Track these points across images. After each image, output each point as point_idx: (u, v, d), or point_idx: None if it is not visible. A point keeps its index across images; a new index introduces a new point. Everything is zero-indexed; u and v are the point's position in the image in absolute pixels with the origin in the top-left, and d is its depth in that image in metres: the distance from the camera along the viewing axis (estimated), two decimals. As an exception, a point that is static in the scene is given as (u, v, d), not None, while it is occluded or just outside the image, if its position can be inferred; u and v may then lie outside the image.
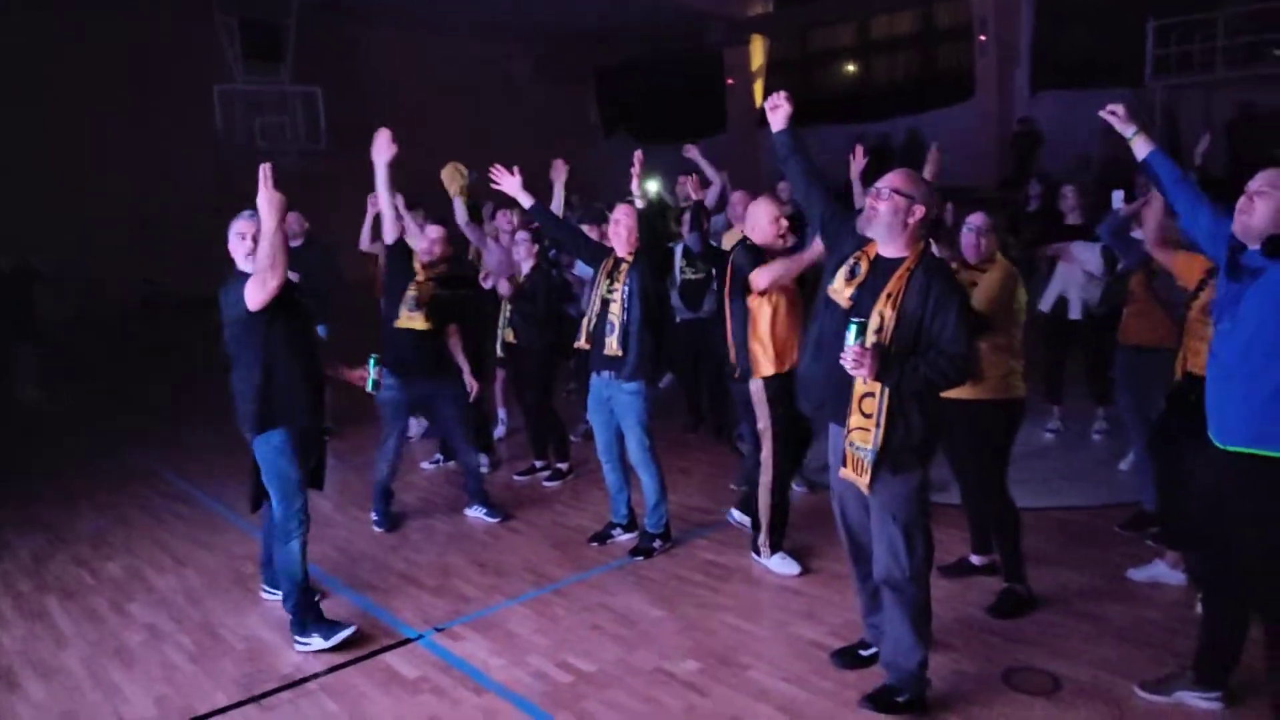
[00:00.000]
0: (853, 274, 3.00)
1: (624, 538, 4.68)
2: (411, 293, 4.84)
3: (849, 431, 2.98)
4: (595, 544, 4.68)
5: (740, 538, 4.58)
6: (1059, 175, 12.11)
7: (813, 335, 3.13)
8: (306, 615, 3.74)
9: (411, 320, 4.83)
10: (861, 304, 2.94)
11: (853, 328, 2.82)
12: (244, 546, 4.94)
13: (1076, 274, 5.79)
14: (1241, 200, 2.72)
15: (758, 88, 19.18)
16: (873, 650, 3.36)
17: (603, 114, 22.03)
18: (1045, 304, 5.96)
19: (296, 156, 16.52)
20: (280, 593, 3.89)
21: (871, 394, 2.91)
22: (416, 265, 4.88)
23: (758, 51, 19.25)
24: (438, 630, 3.87)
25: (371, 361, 4.12)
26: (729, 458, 5.90)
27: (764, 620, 3.81)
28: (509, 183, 4.57)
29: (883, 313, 2.88)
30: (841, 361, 2.83)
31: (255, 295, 3.49)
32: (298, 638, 3.73)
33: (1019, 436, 3.89)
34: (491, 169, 4.58)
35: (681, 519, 4.88)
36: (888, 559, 3.03)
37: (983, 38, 15.22)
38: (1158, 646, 3.43)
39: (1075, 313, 5.85)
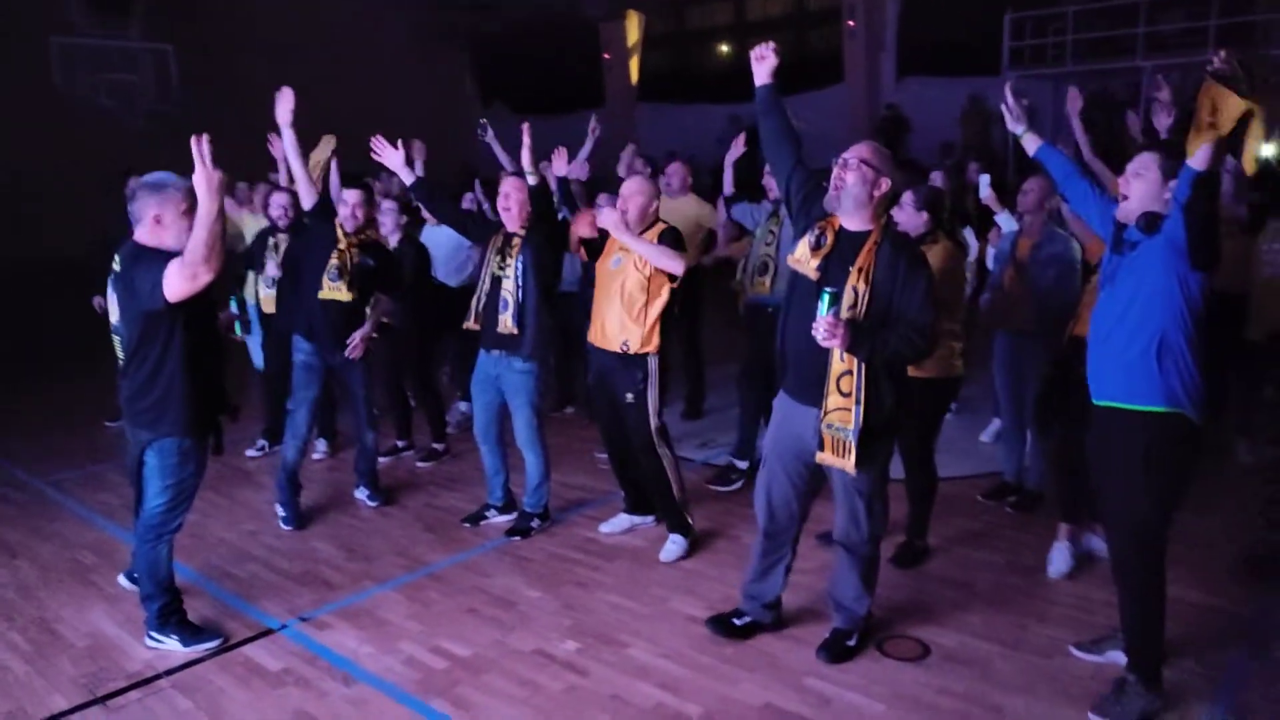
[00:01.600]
0: (818, 244, 2.99)
1: (499, 519, 4.56)
2: (334, 261, 4.52)
3: (826, 413, 2.98)
4: (469, 525, 4.54)
5: (616, 514, 4.53)
6: (924, 160, 12.60)
7: (786, 315, 3.12)
8: (170, 617, 3.45)
9: (335, 291, 4.52)
10: (830, 275, 2.93)
11: (825, 297, 2.81)
12: (82, 534, 4.58)
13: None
14: (1119, 181, 2.88)
15: (633, 64, 19.12)
16: (747, 619, 3.40)
17: (480, 84, 21.53)
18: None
19: (145, 117, 15.49)
20: (139, 589, 3.57)
21: (850, 372, 2.92)
22: (339, 232, 4.55)
23: (634, 27, 19.16)
24: (302, 620, 3.66)
25: (232, 302, 3.86)
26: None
27: (644, 597, 3.78)
28: (391, 157, 4.32)
29: (856, 287, 2.89)
30: (813, 333, 2.82)
31: (179, 286, 2.98)
32: (153, 634, 3.45)
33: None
34: (373, 141, 4.31)
35: (559, 497, 4.79)
36: (848, 525, 3.15)
37: (851, 23, 15.59)
38: (1021, 612, 3.56)
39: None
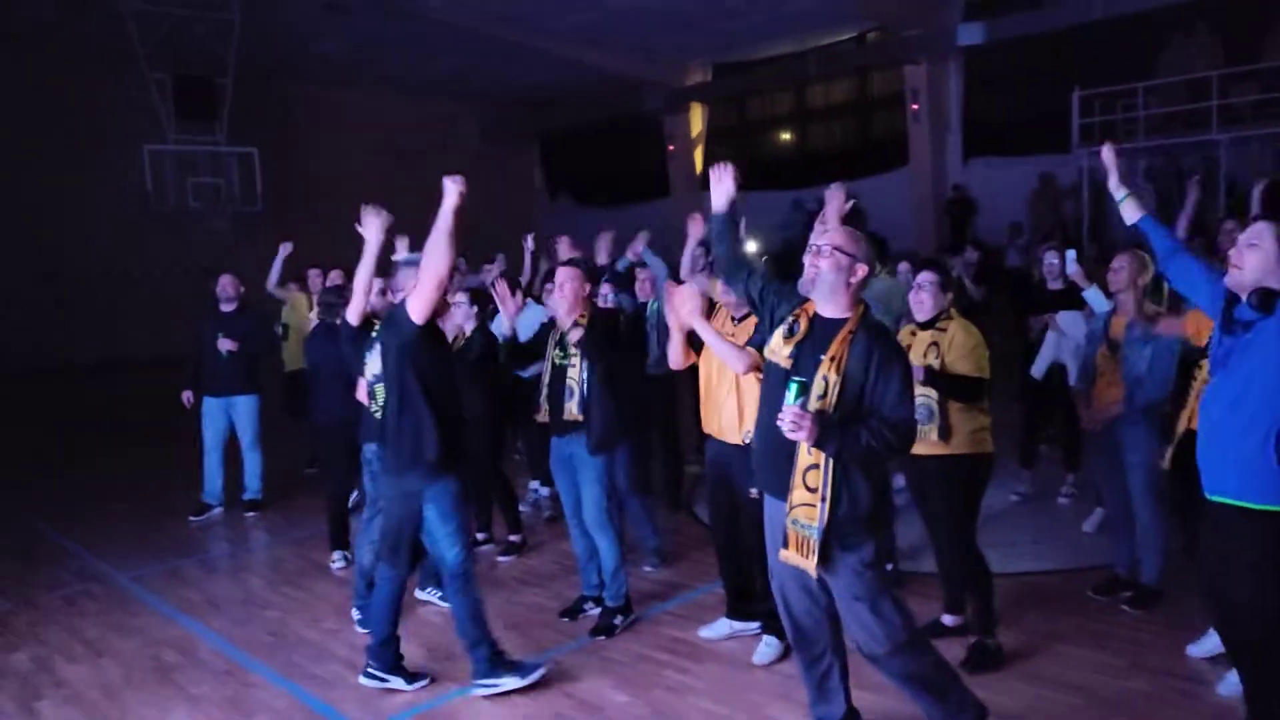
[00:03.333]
0: (791, 331, 2.90)
1: (597, 611, 4.41)
2: None
3: (792, 508, 2.83)
4: (566, 620, 4.41)
5: (705, 612, 4.35)
6: (992, 241, 12.42)
7: (761, 405, 3.02)
8: (498, 659, 3.72)
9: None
10: (801, 364, 2.82)
11: (793, 387, 2.70)
12: (165, 631, 4.55)
13: (1069, 343, 5.69)
14: (1233, 253, 2.72)
15: (698, 154, 19.43)
16: None
17: (547, 177, 22.09)
18: (1038, 370, 5.80)
19: (230, 218, 16.18)
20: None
21: (816, 465, 2.77)
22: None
23: (697, 119, 19.54)
24: (386, 724, 3.55)
25: None
26: (686, 524, 5.69)
27: (738, 703, 3.57)
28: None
29: (827, 376, 2.76)
30: (779, 423, 2.70)
31: (415, 302, 3.56)
32: (483, 681, 3.70)
33: (989, 497, 3.82)
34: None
35: (641, 593, 4.63)
36: (865, 636, 2.90)
37: (915, 106, 15.64)
38: (1145, 717, 3.29)
39: (1073, 379, 5.67)
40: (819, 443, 2.71)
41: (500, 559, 5.39)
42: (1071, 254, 5.48)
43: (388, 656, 3.80)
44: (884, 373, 2.78)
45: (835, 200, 4.27)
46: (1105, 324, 4.43)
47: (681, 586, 4.80)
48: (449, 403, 3.71)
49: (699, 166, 19.19)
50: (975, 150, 15.57)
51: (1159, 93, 12.78)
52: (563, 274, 4.28)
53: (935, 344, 3.70)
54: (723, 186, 3.21)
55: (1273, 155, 11.93)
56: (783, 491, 2.87)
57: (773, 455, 2.91)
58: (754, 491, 3.78)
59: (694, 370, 4.01)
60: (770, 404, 2.90)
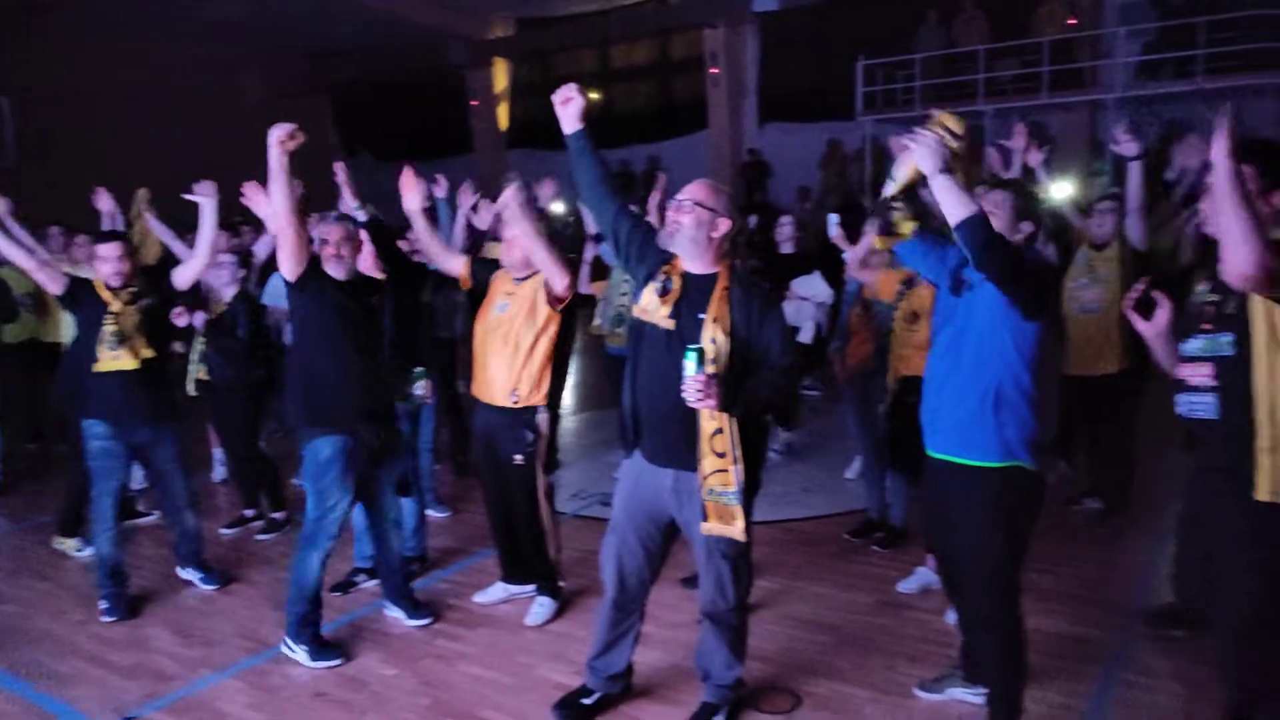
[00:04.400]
0: (665, 290, 2.85)
1: (371, 584, 4.28)
2: (110, 327, 4.02)
3: (705, 478, 2.80)
4: (338, 594, 4.26)
5: (483, 577, 4.33)
6: (784, 205, 12.92)
7: (634, 370, 2.94)
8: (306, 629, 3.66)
9: (117, 360, 4.04)
10: (684, 325, 2.79)
11: (691, 355, 2.65)
12: None
13: (807, 307, 5.94)
14: None
15: (502, 110, 19.05)
16: (595, 696, 3.21)
17: (341, 133, 21.03)
18: (805, 336, 6.02)
19: (-25, 169, 14.49)
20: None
21: (721, 430, 2.75)
22: (104, 294, 4.05)
23: (501, 74, 19.12)
24: None
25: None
26: (472, 488, 5.64)
27: (508, 666, 3.58)
28: (263, 205, 3.82)
29: (715, 338, 2.75)
30: (684, 395, 2.66)
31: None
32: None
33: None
34: (244, 187, 3.88)
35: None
36: (714, 594, 2.96)
37: (714, 70, 15.94)
38: (890, 653, 3.55)
39: (806, 337, 5.98)
40: (725, 406, 2.68)
41: (260, 537, 5.11)
42: (834, 218, 5.71)
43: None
44: (765, 320, 2.79)
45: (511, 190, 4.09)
46: (859, 284, 4.68)
47: (460, 552, 4.76)
48: (323, 358, 3.66)
49: (503, 122, 18.85)
50: (770, 115, 16.06)
51: (946, 62, 13.55)
52: (334, 231, 3.76)
53: None
54: (571, 105, 2.88)
55: (1031, 124, 12.96)
56: (677, 461, 2.85)
57: (667, 425, 2.85)
58: (518, 458, 3.78)
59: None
60: (650, 370, 2.86)
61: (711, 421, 2.74)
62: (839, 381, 4.86)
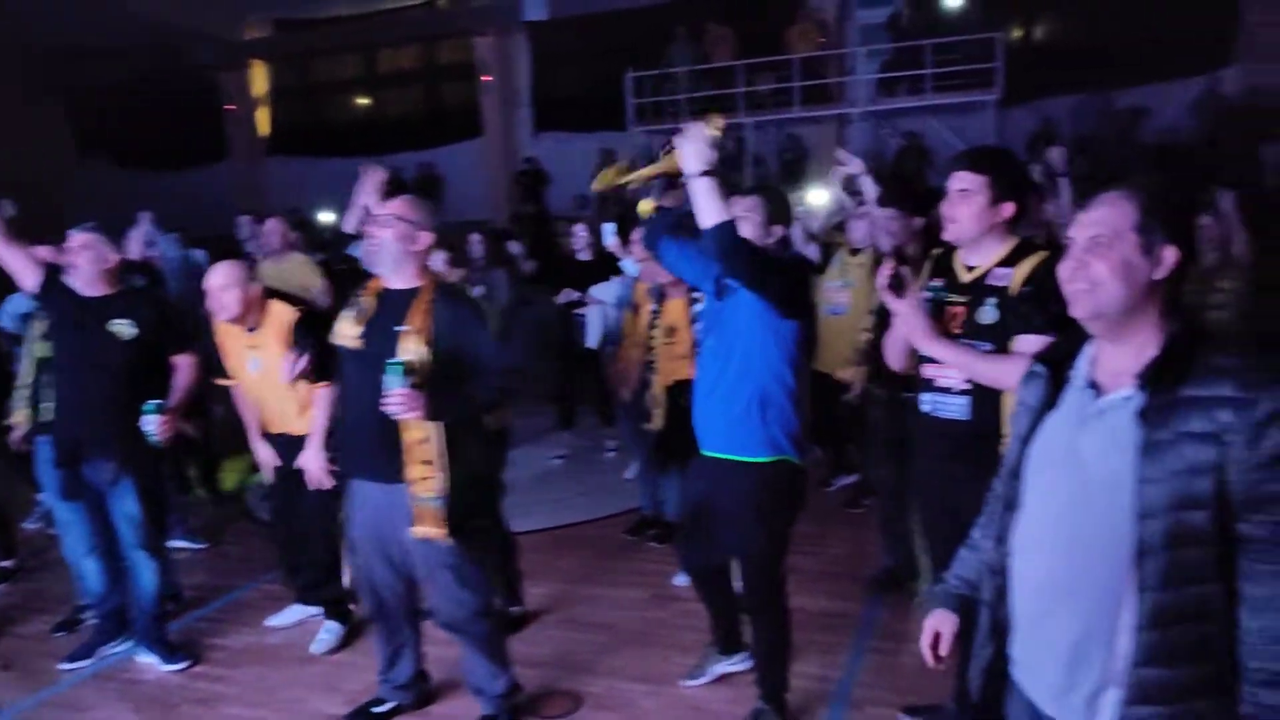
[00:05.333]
0: (359, 312, 2.82)
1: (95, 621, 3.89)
2: None
3: (412, 484, 2.78)
4: (62, 634, 3.92)
5: (247, 611, 4.09)
6: (563, 213, 13.06)
7: (343, 396, 2.92)
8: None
9: None
10: (379, 343, 2.74)
11: (392, 370, 2.61)
12: None
13: (612, 311, 5.99)
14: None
15: (260, 115, 18.03)
16: (387, 705, 3.19)
17: (79, 137, 19.15)
18: (593, 341, 6.03)
19: None
20: None
21: (426, 439, 2.74)
22: None
23: (259, 77, 18.10)
24: None
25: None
26: (230, 520, 5.31)
27: (275, 704, 3.39)
28: None
29: (416, 352, 2.71)
30: (385, 408, 2.62)
31: None
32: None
33: (533, 462, 4.01)
34: None
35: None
36: (446, 605, 2.93)
37: (486, 78, 15.86)
38: (665, 645, 3.67)
39: (592, 341, 6.08)
40: (434, 415, 2.68)
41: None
42: (610, 227, 5.84)
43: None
44: (473, 329, 2.79)
45: (372, 177, 4.01)
46: (630, 289, 4.82)
47: (221, 588, 4.47)
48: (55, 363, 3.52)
49: (262, 128, 17.85)
50: (545, 124, 16.17)
51: (709, 77, 14.12)
52: (74, 239, 3.50)
53: None
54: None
55: (787, 137, 13.78)
56: (392, 475, 2.79)
57: (371, 441, 2.80)
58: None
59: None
60: (356, 392, 2.81)
61: (417, 430, 2.76)
62: (613, 383, 4.98)
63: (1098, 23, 12.73)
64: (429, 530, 2.81)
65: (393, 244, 2.77)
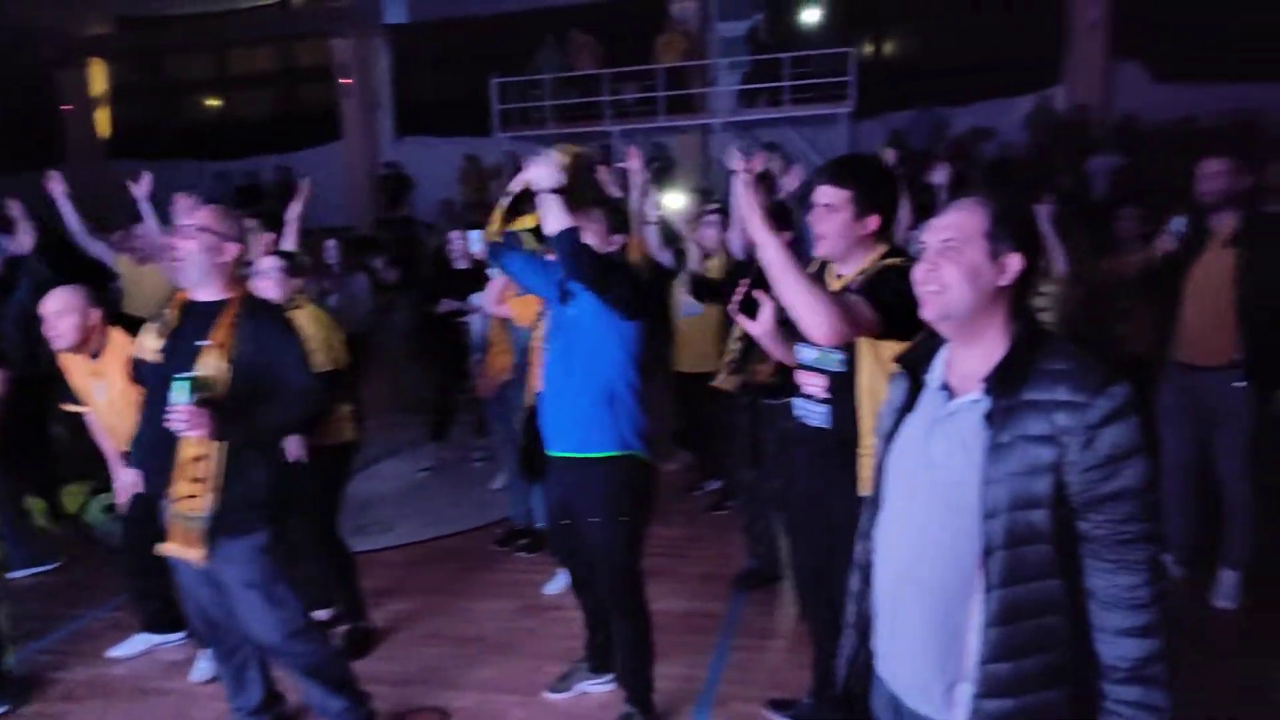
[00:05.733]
0: (162, 326, 2.75)
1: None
2: None
3: (176, 500, 2.68)
4: None
5: (88, 642, 3.87)
6: (428, 219, 12.84)
7: (146, 403, 2.78)
8: None
9: None
10: (178, 356, 2.66)
11: (178, 385, 2.53)
12: None
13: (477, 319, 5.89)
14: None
15: (101, 115, 17.00)
16: None
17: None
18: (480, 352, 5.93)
19: None
20: None
21: (204, 456, 2.64)
22: None
23: (99, 76, 17.06)
24: None
25: None
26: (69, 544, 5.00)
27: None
28: None
29: (213, 366, 2.63)
30: (168, 424, 2.53)
31: None
32: None
33: (400, 475, 3.94)
34: None
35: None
36: (258, 628, 2.81)
37: (345, 81, 15.44)
38: (535, 656, 3.66)
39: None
40: (221, 434, 2.58)
41: None
42: (475, 234, 5.76)
43: None
44: (280, 346, 2.72)
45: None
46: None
47: (61, 617, 4.20)
48: None
49: (103, 129, 16.84)
50: (407, 128, 15.88)
51: (574, 84, 14.15)
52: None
53: None
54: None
55: (654, 145, 13.97)
56: (163, 487, 2.70)
57: (159, 456, 2.69)
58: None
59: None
60: (152, 407, 2.68)
61: (195, 448, 2.66)
62: (480, 392, 4.95)
63: (941, 42, 13.51)
64: (181, 550, 2.70)
65: (198, 255, 2.69)
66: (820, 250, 2.56)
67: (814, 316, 2.07)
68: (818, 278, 2.65)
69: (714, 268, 4.96)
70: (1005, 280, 1.59)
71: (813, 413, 2.60)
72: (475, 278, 5.95)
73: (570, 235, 2.74)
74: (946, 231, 1.62)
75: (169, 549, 2.71)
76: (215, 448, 2.64)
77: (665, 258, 5.08)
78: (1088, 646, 1.52)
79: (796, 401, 2.66)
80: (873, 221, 2.47)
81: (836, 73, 12.56)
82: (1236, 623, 3.69)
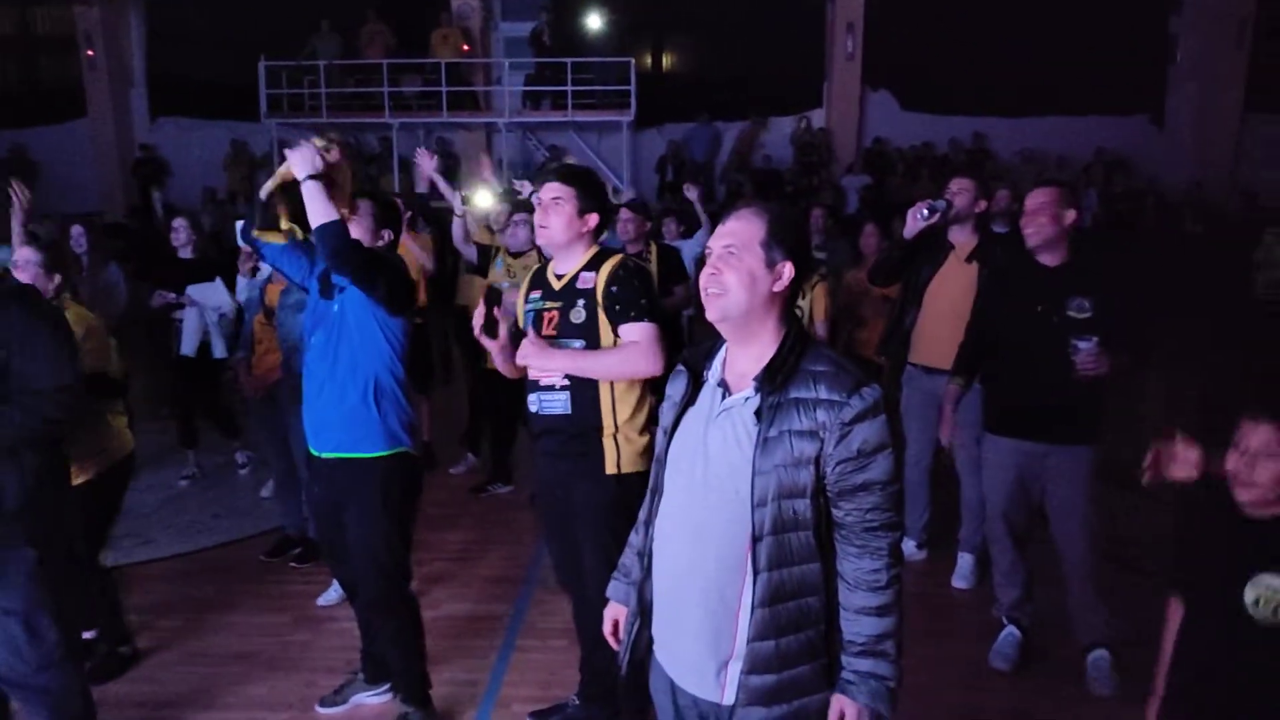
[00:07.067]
0: None
1: None
2: None
3: None
4: None
5: None
6: (185, 206, 11.90)
7: None
8: None
9: None
10: None
11: None
12: None
13: (211, 315, 5.54)
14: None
15: None
16: None
17: None
18: (189, 347, 5.50)
19: None
20: None
21: None
22: None
23: None
24: None
25: None
26: None
27: None
28: None
29: None
30: None
31: None
32: None
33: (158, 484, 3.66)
34: None
35: None
36: (8, 656, 2.53)
37: (90, 53, 14.05)
38: (310, 669, 3.54)
39: (220, 351, 5.54)
40: None
41: None
42: (240, 224, 5.43)
43: None
44: (26, 338, 2.43)
45: None
46: (261, 291, 4.56)
47: None
48: None
49: None
50: (164, 109, 14.68)
51: (351, 73, 13.55)
52: None
53: None
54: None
55: (437, 140, 13.68)
56: None
57: None
58: None
59: None
60: None
61: None
62: (244, 393, 4.69)
63: (716, 59, 14.16)
64: None
65: None
66: (541, 239, 2.77)
67: (633, 371, 2.63)
68: (538, 280, 2.82)
69: (520, 267, 4.95)
70: (779, 286, 1.72)
71: (552, 401, 2.72)
72: (202, 269, 5.52)
73: (334, 228, 2.70)
74: (728, 238, 1.74)
75: None
76: None
77: (470, 251, 5.05)
78: (837, 624, 1.69)
79: (533, 396, 2.76)
80: (592, 219, 2.73)
81: (619, 80, 12.86)
82: (969, 602, 4.11)
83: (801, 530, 1.64)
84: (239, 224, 5.53)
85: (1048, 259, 3.27)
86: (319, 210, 2.69)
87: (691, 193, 6.15)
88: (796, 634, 1.66)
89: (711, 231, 5.38)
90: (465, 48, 13.69)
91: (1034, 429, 3.32)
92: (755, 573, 1.64)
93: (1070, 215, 3.23)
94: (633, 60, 12.94)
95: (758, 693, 1.66)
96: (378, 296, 2.82)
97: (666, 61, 14.95)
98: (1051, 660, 3.51)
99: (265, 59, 12.96)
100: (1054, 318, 3.19)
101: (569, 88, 12.83)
